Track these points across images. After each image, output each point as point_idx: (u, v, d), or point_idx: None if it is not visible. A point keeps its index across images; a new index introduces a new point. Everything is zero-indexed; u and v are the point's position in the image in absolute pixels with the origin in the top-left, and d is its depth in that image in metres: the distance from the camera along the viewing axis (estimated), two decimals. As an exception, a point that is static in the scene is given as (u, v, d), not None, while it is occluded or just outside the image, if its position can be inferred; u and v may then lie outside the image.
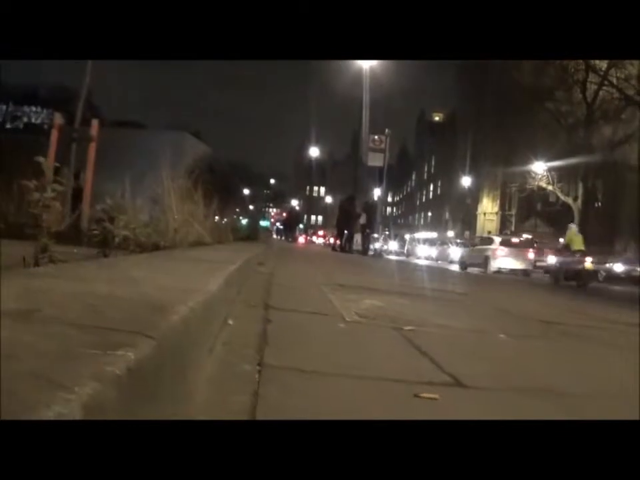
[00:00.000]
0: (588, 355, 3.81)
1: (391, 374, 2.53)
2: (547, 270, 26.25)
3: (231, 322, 3.12)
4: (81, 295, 1.77)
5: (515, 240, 31.95)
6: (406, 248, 51.36)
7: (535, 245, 36.30)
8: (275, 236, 53.52)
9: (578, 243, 19.81)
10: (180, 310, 1.68)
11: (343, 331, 3.54)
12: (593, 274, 22.00)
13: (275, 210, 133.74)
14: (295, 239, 44.77)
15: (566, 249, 20.29)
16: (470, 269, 29.07)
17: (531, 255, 29.38)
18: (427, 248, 47.59)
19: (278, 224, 77.66)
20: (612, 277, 29.48)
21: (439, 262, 40.09)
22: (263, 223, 26.62)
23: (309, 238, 69.15)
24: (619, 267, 32.56)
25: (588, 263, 19.55)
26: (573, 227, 21.50)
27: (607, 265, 31.22)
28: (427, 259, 43.51)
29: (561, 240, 22.36)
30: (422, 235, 62.56)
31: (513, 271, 28.22)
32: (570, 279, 19.28)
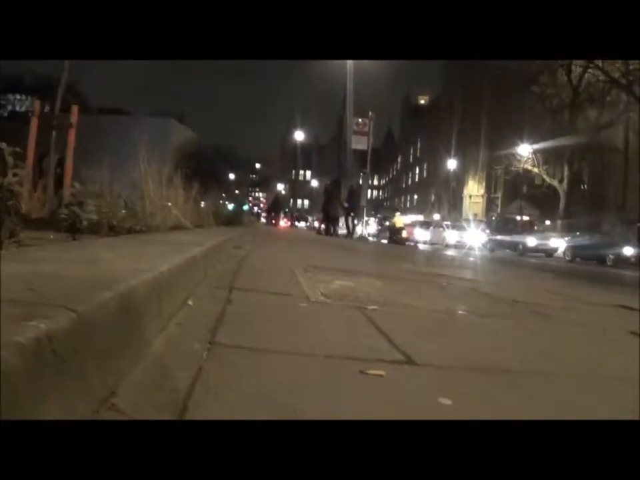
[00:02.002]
0: (553, 334, 3.79)
1: (342, 351, 2.55)
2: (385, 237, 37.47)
3: (190, 303, 3.15)
4: (26, 275, 1.81)
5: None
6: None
7: (535, 227, 37.16)
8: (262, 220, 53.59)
9: (399, 223, 33.70)
10: (117, 287, 1.72)
11: (303, 311, 3.55)
12: (406, 239, 33.93)
13: (261, 194, 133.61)
14: (277, 223, 44.98)
15: (394, 226, 33.20)
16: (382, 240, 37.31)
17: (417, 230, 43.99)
18: (421, 231, 46.79)
19: (256, 208, 78.18)
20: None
21: (433, 245, 39.30)
22: (243, 207, 26.86)
23: (293, 222, 69.27)
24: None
25: (404, 234, 33.06)
26: (398, 213, 36.65)
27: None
28: (421, 242, 42.57)
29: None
30: (416, 218, 61.00)
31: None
32: (396, 243, 30.52)
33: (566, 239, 33.31)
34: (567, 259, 30.54)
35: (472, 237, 38.51)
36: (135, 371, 1.80)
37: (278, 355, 2.39)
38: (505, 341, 3.39)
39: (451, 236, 40.89)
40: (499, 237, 38.13)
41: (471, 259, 19.12)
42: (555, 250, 33.97)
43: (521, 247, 34.46)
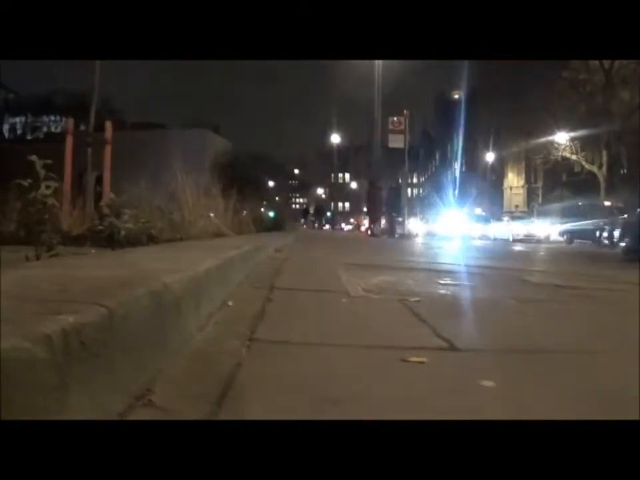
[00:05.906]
0: (591, 315, 3.71)
1: (383, 341, 2.53)
2: None
3: (230, 303, 3.16)
4: (55, 278, 1.82)
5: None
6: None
7: (615, 211, 34.48)
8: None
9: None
10: (151, 285, 1.71)
11: (343, 305, 3.54)
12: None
13: (301, 200, 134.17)
14: (320, 227, 46.56)
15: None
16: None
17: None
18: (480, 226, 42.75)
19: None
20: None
21: (494, 240, 36.20)
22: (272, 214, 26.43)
23: (333, 226, 71.20)
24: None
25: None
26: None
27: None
28: (481, 238, 38.88)
29: None
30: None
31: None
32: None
33: None
34: None
35: (541, 229, 36.51)
36: (173, 367, 1.79)
37: (318, 347, 2.38)
38: (549, 323, 3.33)
39: (518, 229, 38.69)
40: (572, 227, 33.31)
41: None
42: None
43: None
